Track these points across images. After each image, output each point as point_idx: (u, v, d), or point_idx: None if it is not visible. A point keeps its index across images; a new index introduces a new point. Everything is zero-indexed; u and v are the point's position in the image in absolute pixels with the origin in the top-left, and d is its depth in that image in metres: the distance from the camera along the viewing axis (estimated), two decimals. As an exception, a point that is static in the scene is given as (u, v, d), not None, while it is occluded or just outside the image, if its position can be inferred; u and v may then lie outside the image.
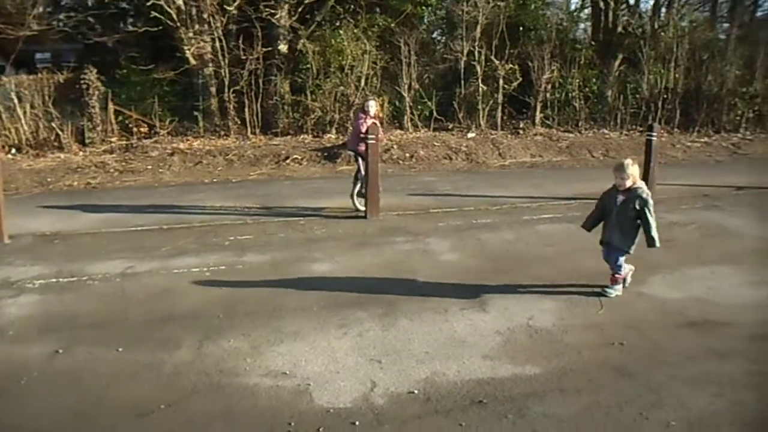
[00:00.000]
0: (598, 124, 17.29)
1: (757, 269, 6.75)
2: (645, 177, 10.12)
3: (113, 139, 15.67)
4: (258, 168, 13.64)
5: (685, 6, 19.35)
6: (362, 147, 8.96)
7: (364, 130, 8.88)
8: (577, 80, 16.84)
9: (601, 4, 18.66)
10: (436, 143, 15.03)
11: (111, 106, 15.70)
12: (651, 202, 5.58)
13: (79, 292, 6.15)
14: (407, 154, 14.43)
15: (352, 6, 16.41)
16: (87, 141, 15.35)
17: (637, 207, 5.57)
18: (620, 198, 5.69)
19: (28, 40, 20.19)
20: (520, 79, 16.39)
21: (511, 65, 16.31)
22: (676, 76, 17.79)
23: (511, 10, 16.96)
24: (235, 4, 15.56)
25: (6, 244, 7.92)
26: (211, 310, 5.60)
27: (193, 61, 16.31)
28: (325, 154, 14.23)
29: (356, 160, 9.45)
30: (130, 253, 7.35)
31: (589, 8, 20.17)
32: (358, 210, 9.32)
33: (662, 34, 18.03)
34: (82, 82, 15.24)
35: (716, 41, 18.89)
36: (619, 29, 18.26)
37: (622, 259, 5.88)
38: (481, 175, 13.01)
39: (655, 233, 5.61)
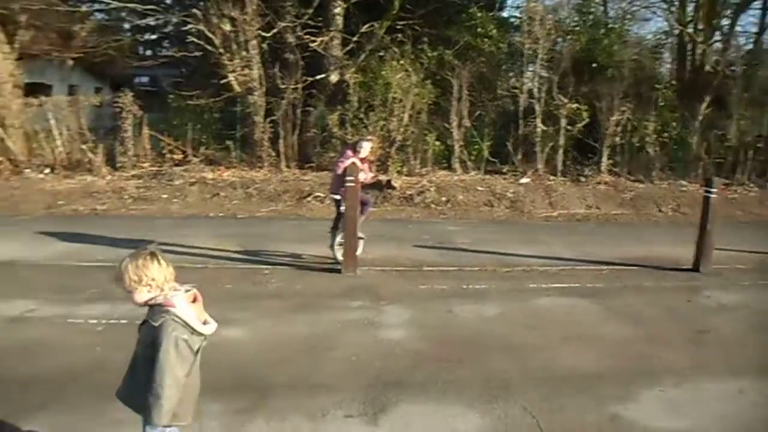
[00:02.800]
0: (677, 174, 15.11)
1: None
2: (699, 242, 8.28)
3: (145, 165, 15.07)
4: (274, 204, 12.54)
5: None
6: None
7: (340, 171, 7.58)
8: (654, 124, 14.79)
9: (687, 39, 16.62)
10: (480, 188, 13.45)
11: (145, 131, 15.13)
12: (175, 336, 2.83)
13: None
14: (443, 198, 12.94)
15: (399, 36, 15.18)
16: (118, 165, 14.81)
17: (150, 342, 2.89)
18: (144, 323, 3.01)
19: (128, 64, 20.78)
20: (587, 120, 14.54)
21: (577, 104, 14.52)
22: (773, 122, 15.40)
23: (581, 44, 15.22)
24: (273, 31, 14.70)
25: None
26: (53, 378, 4.51)
27: (237, 89, 15.57)
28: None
29: (337, 206, 8.08)
30: (48, 293, 6.52)
31: (674, 44, 18.03)
32: (337, 261, 7.96)
33: (758, 73, 15.72)
34: (115, 105, 14.76)
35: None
36: (707, 68, 16.10)
37: None
38: (518, 227, 11.31)
39: (157, 400, 2.80)
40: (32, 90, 16.93)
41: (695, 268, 8.29)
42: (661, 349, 5.49)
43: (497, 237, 10.17)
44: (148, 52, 24.32)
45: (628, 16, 17.28)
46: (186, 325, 2.88)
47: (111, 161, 14.83)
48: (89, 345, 5.08)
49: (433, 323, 5.92)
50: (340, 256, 7.98)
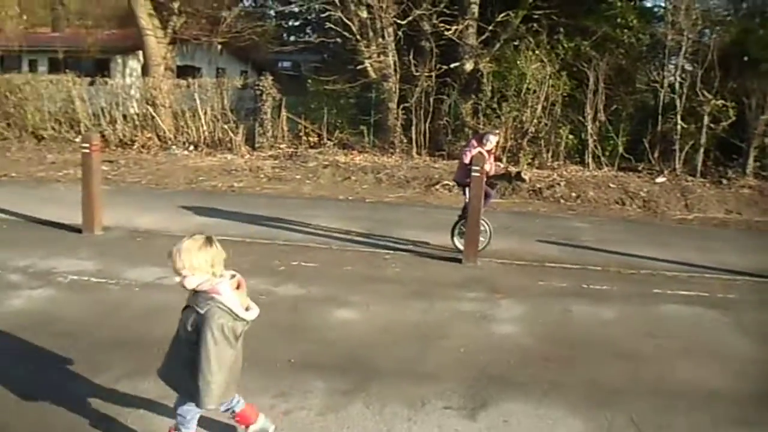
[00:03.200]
0: (837, 181, 13.87)
1: None
2: None
3: (282, 146, 15.75)
4: (403, 190, 12.75)
5: None
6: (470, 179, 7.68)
7: (467, 160, 7.63)
8: (812, 124, 13.66)
9: None
10: (612, 185, 13.01)
11: (283, 114, 15.80)
12: (221, 323, 2.92)
13: (89, 294, 6.00)
14: (573, 194, 12.63)
15: (535, 25, 14.89)
16: (256, 145, 15.58)
17: (194, 328, 3.00)
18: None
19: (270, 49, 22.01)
20: (733, 118, 13.66)
21: (723, 101, 13.66)
22: None
23: (732, 35, 14.30)
24: (409, 18, 14.87)
25: (94, 235, 8.14)
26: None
27: (373, 75, 15.91)
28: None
29: (464, 194, 8.15)
30: (181, 264, 6.89)
31: None
32: (459, 250, 8.00)
33: None
34: (256, 88, 15.49)
35: None
36: None
37: (189, 411, 3.19)
38: (648, 227, 10.84)
39: (207, 385, 2.94)
40: (184, 72, 18.10)
41: None
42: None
43: (625, 237, 9.84)
44: (292, 38, 25.24)
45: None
46: (230, 311, 2.95)
47: (250, 141, 15.64)
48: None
49: (547, 321, 5.83)
50: (460, 246, 8.05)
